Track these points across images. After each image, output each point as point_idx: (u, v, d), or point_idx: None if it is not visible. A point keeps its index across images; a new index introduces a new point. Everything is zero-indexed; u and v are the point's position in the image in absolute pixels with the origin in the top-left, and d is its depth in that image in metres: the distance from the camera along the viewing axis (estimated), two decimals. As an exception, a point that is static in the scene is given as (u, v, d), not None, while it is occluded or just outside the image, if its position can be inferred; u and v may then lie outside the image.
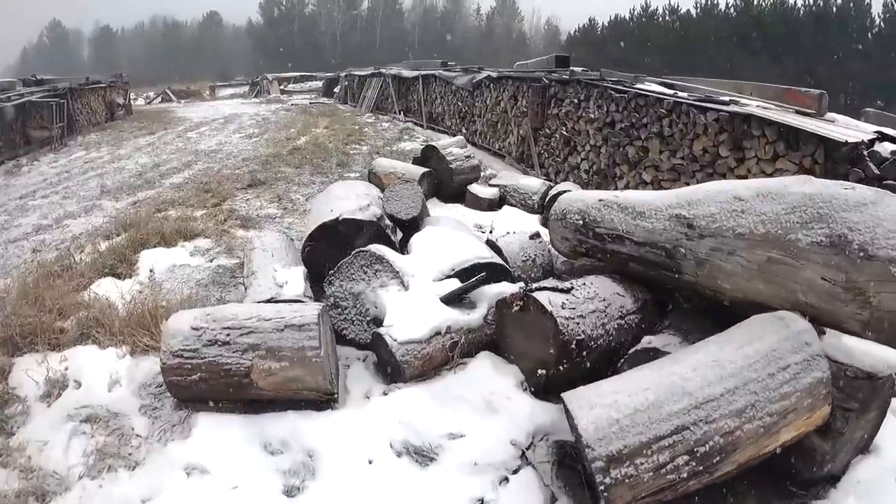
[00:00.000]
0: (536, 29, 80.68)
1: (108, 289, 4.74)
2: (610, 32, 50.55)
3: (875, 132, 5.40)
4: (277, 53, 69.66)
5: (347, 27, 77.18)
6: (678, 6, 47.37)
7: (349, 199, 4.97)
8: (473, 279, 3.84)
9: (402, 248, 4.74)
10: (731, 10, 43.46)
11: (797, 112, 6.28)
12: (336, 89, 30.77)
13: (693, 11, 46.46)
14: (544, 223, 6.45)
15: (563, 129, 9.77)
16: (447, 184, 7.97)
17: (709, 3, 45.79)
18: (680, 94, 7.58)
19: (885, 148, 5.03)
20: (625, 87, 8.42)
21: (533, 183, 7.96)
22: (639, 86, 8.41)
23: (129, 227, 6.34)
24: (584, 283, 3.65)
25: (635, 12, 50.00)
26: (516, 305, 3.48)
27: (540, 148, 10.55)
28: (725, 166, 6.39)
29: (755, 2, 42.03)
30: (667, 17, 48.06)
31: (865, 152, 5.02)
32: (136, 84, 35.18)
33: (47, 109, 14.78)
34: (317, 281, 4.29)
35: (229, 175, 9.48)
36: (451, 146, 8.19)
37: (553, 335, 3.24)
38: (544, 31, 79.56)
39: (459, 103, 15.06)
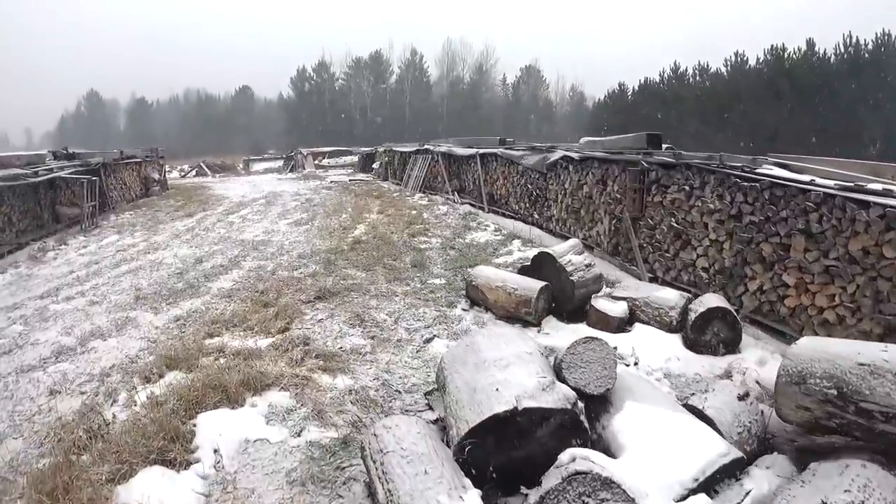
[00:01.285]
0: (562, 96, 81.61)
1: (156, 489, 3.31)
2: (640, 96, 50.46)
3: None
4: (309, 127, 70.91)
5: (377, 101, 78.43)
6: (708, 65, 47.33)
7: (513, 365, 3.62)
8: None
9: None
10: (762, 65, 43.07)
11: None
12: (375, 165, 30.08)
13: (723, 69, 46.30)
14: (688, 345, 6.04)
15: (673, 220, 8.35)
16: (566, 298, 6.75)
17: (738, 60, 45.62)
18: (819, 181, 6.43)
19: None
20: (750, 173, 7.20)
21: (669, 295, 6.56)
22: (765, 171, 7.22)
23: (176, 364, 5.05)
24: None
25: (665, 74, 49.97)
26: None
27: (641, 240, 9.08)
28: (892, 270, 5.51)
29: (785, 55, 41.53)
30: (697, 77, 47.99)
31: None
32: (171, 156, 35.09)
33: (79, 186, 13.92)
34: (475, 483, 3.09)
35: (288, 279, 8.20)
36: (568, 253, 6.82)
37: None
38: (569, 98, 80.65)
39: (529, 185, 13.76)
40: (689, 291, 7.88)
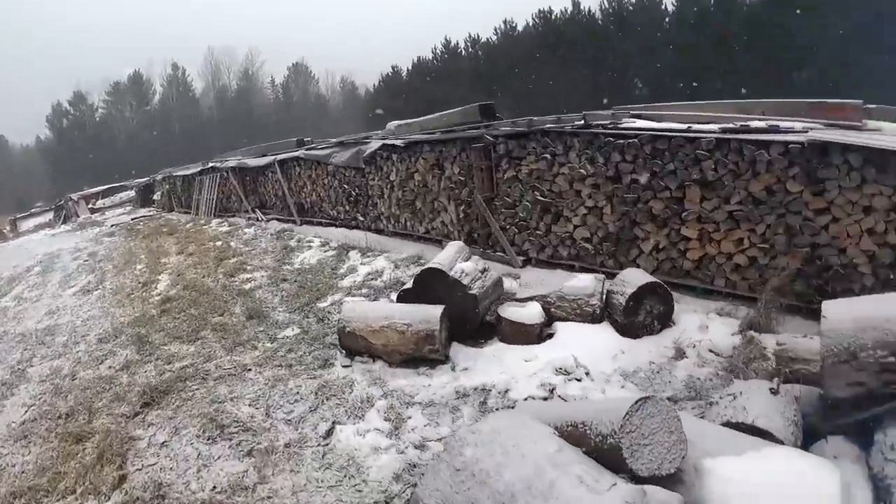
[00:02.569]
0: (333, 89, 79.99)
1: None
2: (415, 75, 50.56)
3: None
4: (75, 168, 62.85)
5: (143, 125, 71.86)
6: (478, 36, 48.38)
7: (556, 482, 2.38)
8: None
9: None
10: (533, 29, 44.81)
11: (842, 127, 6.10)
12: (156, 196, 26.63)
13: (494, 38, 47.60)
14: (622, 331, 5.43)
15: (537, 193, 7.49)
16: (468, 318, 5.55)
17: (507, 27, 47.15)
18: (705, 127, 6.21)
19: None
20: (622, 129, 6.70)
21: (583, 283, 5.73)
22: (643, 124, 6.81)
23: None
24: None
25: (438, 50, 50.48)
26: None
27: (502, 222, 8.12)
28: (800, 203, 5.54)
29: (553, 17, 43.52)
30: (469, 49, 48.98)
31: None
32: None
33: None
34: None
35: (95, 382, 5.89)
36: (455, 261, 5.60)
37: None
38: (340, 89, 79.21)
39: (345, 186, 12.15)
40: (571, 268, 7.22)
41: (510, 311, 5.40)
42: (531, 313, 5.35)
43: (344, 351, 5.59)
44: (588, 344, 5.19)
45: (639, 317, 5.40)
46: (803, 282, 5.60)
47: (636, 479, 2.52)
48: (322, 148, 13.01)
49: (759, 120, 6.42)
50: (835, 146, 5.26)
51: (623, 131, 6.65)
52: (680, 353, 5.14)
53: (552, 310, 5.57)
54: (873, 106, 7.34)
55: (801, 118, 6.64)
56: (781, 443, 3.14)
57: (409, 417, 4.50)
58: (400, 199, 10.42)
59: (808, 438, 3.40)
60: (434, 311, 5.14)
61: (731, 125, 6.10)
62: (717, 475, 2.64)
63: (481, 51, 47.64)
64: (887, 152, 5.05)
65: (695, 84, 29.62)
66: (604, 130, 6.79)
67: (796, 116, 6.82)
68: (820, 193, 5.43)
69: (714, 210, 6.02)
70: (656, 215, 6.46)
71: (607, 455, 2.63)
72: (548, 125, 7.43)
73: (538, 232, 7.71)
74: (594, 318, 5.52)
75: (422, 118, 11.18)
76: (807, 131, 5.60)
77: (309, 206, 13.83)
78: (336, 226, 12.32)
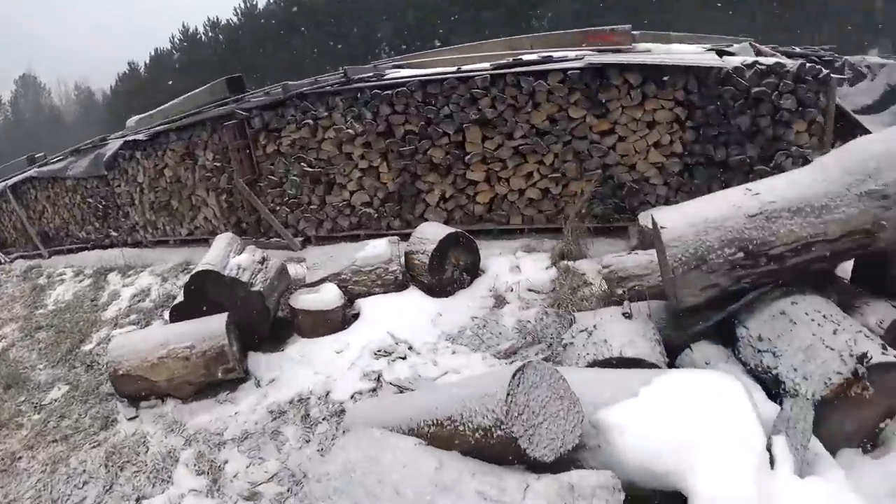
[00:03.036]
0: (67, 97, 69.61)
1: None
2: (154, 69, 46.15)
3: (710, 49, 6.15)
4: None
5: None
6: (218, 19, 45.13)
7: None
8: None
9: None
10: (274, 5, 42.66)
11: (615, 51, 6.05)
12: None
13: (234, 20, 44.70)
14: (434, 292, 4.97)
15: (303, 164, 6.70)
16: (259, 319, 4.57)
17: (248, 6, 44.44)
18: (477, 66, 6.04)
19: (731, 62, 5.33)
20: (388, 80, 6.21)
21: (376, 250, 5.11)
22: (395, 74, 6.45)
23: None
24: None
25: (176, 39, 46.43)
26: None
27: (272, 204, 7.23)
28: (585, 128, 5.56)
29: None
30: (210, 34, 45.60)
31: (731, 70, 5.19)
32: None
33: None
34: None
35: None
36: (227, 257, 4.66)
37: None
38: (76, 97, 69.37)
39: (90, 200, 9.83)
40: (356, 237, 6.56)
41: (304, 300, 4.54)
42: (328, 297, 4.55)
43: (125, 399, 4.29)
44: (400, 315, 4.58)
45: (446, 273, 4.94)
46: (600, 204, 5.61)
47: (541, 466, 1.98)
48: (57, 161, 10.56)
49: (532, 53, 6.35)
50: (613, 68, 5.32)
51: (390, 81, 6.09)
52: (500, 301, 4.79)
53: (350, 287, 4.84)
54: (637, 32, 7.57)
55: (572, 48, 6.64)
56: (656, 366, 2.96)
57: (226, 461, 3.56)
58: (153, 202, 8.70)
59: (671, 354, 3.26)
60: (217, 323, 4.07)
61: (503, 61, 5.92)
62: (621, 427, 2.19)
63: (222, 34, 44.37)
64: (664, 67, 5.21)
65: (439, 43, 30.10)
66: (368, 83, 6.15)
67: (566, 47, 6.85)
68: (603, 115, 5.46)
69: (498, 148, 5.79)
70: (438, 164, 6.04)
71: (496, 449, 2.03)
72: (305, 88, 6.59)
73: (312, 206, 6.87)
74: (398, 286, 4.93)
75: (164, 105, 9.57)
76: (582, 58, 5.55)
77: (54, 233, 11.10)
78: (89, 248, 10.03)
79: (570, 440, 2.07)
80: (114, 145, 8.95)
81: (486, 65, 5.93)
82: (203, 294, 4.47)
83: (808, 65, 5.11)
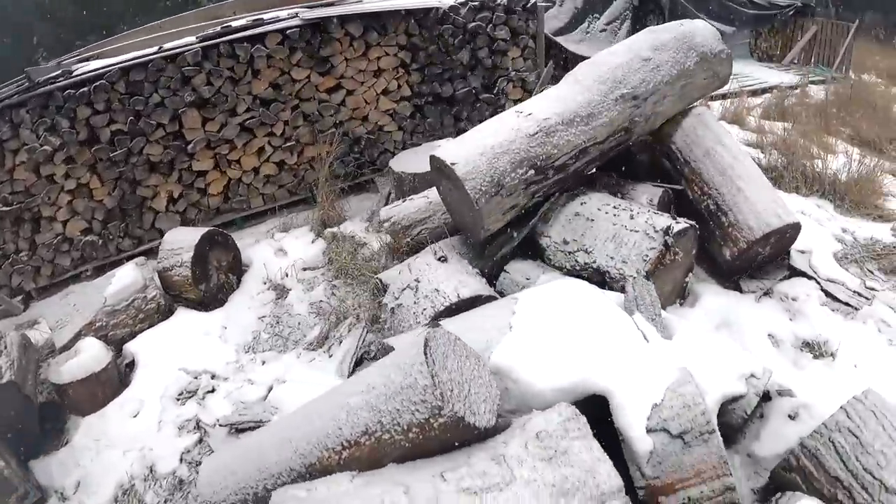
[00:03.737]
0: None
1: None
2: None
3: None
4: None
5: None
6: None
7: None
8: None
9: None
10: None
11: (327, 5, 5.80)
12: None
13: None
14: (206, 305, 4.36)
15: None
16: (17, 420, 3.37)
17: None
18: (181, 42, 5.32)
19: (446, 2, 5.47)
20: (82, 75, 5.09)
21: (126, 279, 4.27)
22: (87, 67, 5.30)
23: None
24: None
25: None
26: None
27: None
28: (311, 88, 5.35)
29: None
30: None
31: (447, 9, 5.37)
32: None
33: None
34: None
35: None
36: None
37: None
38: None
39: None
40: (82, 275, 5.51)
41: (67, 370, 3.51)
42: (92, 355, 3.60)
43: None
44: (182, 345, 3.91)
45: (212, 280, 4.37)
46: (341, 163, 5.49)
47: (483, 435, 1.87)
48: None
49: (240, 18, 5.82)
50: (332, 20, 5.09)
51: (83, 76, 5.00)
52: (281, 290, 4.41)
53: (110, 334, 3.95)
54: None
55: (281, 7, 6.22)
56: (492, 297, 3.09)
57: None
58: None
59: (489, 282, 3.40)
60: None
61: (209, 32, 5.26)
62: (517, 362, 2.19)
63: None
64: (383, 13, 5.16)
65: (105, 32, 26.12)
66: (58, 84, 4.96)
67: (269, 8, 6.40)
68: (328, 72, 5.30)
69: (221, 129, 5.23)
70: (157, 162, 5.24)
71: (438, 440, 1.83)
72: None
73: (22, 255, 5.40)
74: (163, 313, 4.20)
75: None
76: (296, 15, 5.24)
77: None
78: None
79: (495, 394, 1.98)
80: None
81: (192, 38, 5.24)
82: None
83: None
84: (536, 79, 5.85)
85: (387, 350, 2.70)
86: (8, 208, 5.26)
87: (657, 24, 4.08)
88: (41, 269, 5.51)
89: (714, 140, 3.64)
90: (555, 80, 4.17)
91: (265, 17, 5.37)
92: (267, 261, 4.70)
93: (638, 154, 4.01)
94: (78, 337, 3.91)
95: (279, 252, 4.80)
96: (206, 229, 4.41)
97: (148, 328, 4.15)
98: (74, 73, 5.13)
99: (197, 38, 5.11)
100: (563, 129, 3.30)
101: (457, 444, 1.87)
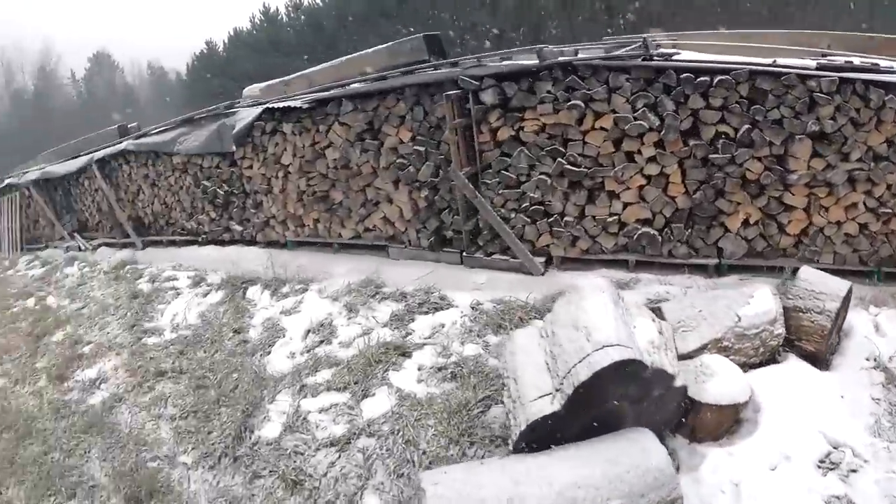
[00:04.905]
0: (140, 77, 67.58)
1: None
2: (234, 49, 43.70)
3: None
4: None
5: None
6: (301, 2, 42.45)
7: None
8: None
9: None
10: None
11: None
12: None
13: (317, 1, 41.72)
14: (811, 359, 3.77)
15: (560, 161, 5.37)
16: (660, 427, 3.38)
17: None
18: (809, 63, 4.77)
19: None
20: (705, 63, 4.91)
21: (764, 305, 3.87)
22: (727, 58, 5.14)
23: None
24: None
25: (256, 19, 43.83)
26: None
27: (502, 211, 5.79)
28: None
29: None
30: (291, 15, 43.03)
31: None
32: None
33: None
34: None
35: None
36: (624, 320, 3.30)
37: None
38: (149, 77, 67.18)
39: (206, 182, 8.28)
40: (620, 263, 5.43)
41: (714, 390, 3.24)
42: (733, 381, 3.29)
43: None
44: (810, 402, 3.42)
45: (831, 338, 3.81)
46: None
47: None
48: (160, 132, 8.77)
49: (839, 55, 5.27)
50: None
51: (707, 65, 4.78)
52: (891, 376, 3.60)
53: (730, 358, 3.58)
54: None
55: (871, 55, 5.50)
56: None
57: None
58: (304, 191, 7.17)
59: None
60: (655, 454, 2.71)
61: (823, 60, 4.73)
62: None
63: (304, 15, 41.54)
64: None
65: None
66: (676, 64, 4.83)
67: (861, 52, 5.72)
68: None
69: (826, 169, 4.58)
70: (751, 181, 4.80)
71: None
72: (577, 59, 5.22)
73: (567, 218, 5.50)
74: (771, 357, 3.76)
75: (306, 71, 8.20)
76: None
77: (151, 220, 9.64)
78: (199, 243, 8.67)
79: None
80: (247, 114, 7.40)
81: (810, 62, 4.74)
82: (593, 398, 2.84)
83: None
84: None
85: None
86: (575, 168, 5.24)
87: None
88: (577, 241, 5.52)
89: None
90: None
91: (881, 63, 4.69)
92: (869, 334, 3.99)
93: None
94: (702, 350, 3.61)
95: (877, 328, 4.05)
96: (848, 284, 3.83)
97: (758, 365, 3.72)
98: (700, 60, 4.90)
99: (817, 64, 4.62)
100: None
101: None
